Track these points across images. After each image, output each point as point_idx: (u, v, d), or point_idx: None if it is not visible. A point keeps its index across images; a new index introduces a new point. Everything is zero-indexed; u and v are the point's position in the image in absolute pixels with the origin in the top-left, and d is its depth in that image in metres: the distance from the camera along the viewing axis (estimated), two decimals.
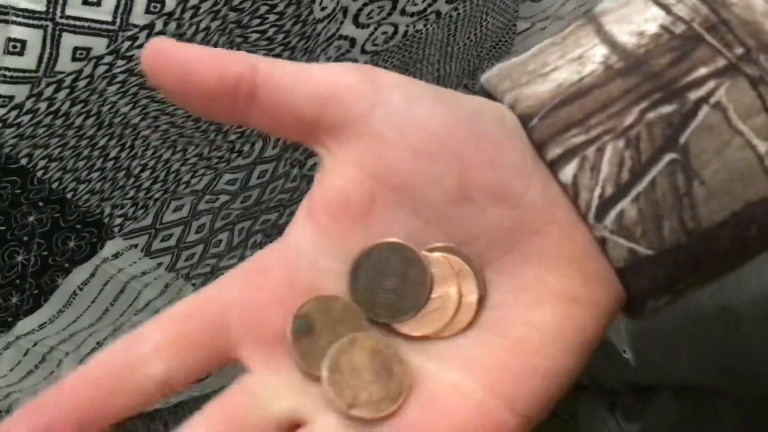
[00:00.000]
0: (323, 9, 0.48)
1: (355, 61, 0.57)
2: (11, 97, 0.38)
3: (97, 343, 0.60)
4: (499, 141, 0.22)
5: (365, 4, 0.51)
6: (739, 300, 0.51)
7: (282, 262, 0.23)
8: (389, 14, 0.53)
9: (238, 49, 0.47)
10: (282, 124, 0.23)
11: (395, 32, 0.56)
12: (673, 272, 0.23)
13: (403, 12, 0.54)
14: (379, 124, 0.22)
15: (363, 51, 0.56)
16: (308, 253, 0.23)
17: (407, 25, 0.56)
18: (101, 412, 0.21)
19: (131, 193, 0.51)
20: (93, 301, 0.55)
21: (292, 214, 0.64)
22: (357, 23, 0.52)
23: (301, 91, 0.22)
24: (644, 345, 0.62)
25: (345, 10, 0.50)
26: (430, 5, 0.55)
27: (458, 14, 0.59)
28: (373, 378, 0.22)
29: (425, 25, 0.57)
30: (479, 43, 0.65)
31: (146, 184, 0.51)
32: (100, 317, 0.57)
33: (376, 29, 0.54)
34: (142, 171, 0.50)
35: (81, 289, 0.53)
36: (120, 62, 0.40)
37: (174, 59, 0.22)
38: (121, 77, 0.41)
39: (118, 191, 0.50)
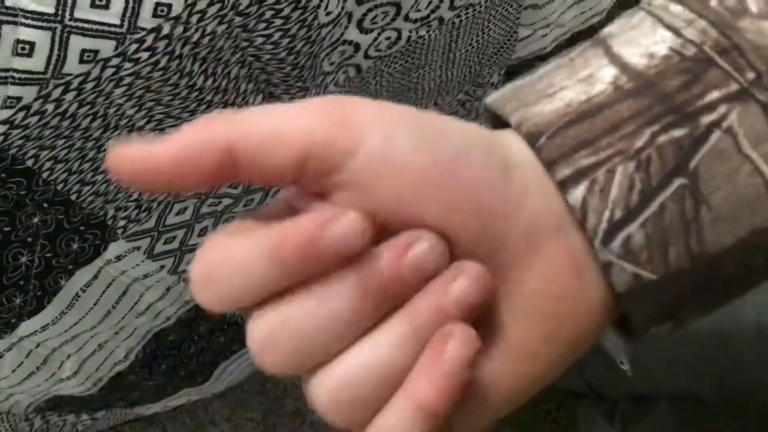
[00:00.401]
0: (328, 14, 0.48)
1: (358, 66, 0.57)
2: (19, 99, 0.38)
3: (99, 345, 0.60)
4: (483, 182, 0.22)
5: (370, 10, 0.51)
6: (734, 326, 0.51)
7: None
8: (393, 20, 0.54)
9: (243, 54, 0.48)
10: (270, 184, 0.23)
11: (399, 38, 0.56)
12: (676, 298, 0.22)
13: (406, 18, 0.54)
14: (357, 171, 0.22)
15: (366, 56, 0.56)
16: None
17: (410, 31, 0.56)
18: None
19: (135, 196, 0.51)
20: (95, 303, 0.55)
21: None
22: (361, 28, 0.53)
23: (278, 160, 0.22)
24: (641, 358, 0.63)
25: (350, 15, 0.51)
26: (433, 11, 0.56)
27: (461, 21, 0.59)
28: None
29: (428, 31, 0.58)
30: (481, 50, 0.65)
31: None
32: (102, 319, 0.57)
33: (379, 34, 0.55)
34: None
35: (84, 291, 0.53)
36: (127, 65, 0.40)
37: (153, 173, 0.21)
38: (127, 80, 0.41)
39: (122, 193, 0.50)
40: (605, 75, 0.23)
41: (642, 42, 0.23)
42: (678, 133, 0.22)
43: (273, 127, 0.22)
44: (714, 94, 0.22)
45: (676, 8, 0.24)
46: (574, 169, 0.22)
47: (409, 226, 0.22)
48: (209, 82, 0.46)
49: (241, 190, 0.58)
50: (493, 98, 0.25)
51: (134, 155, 0.21)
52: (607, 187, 0.22)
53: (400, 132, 0.22)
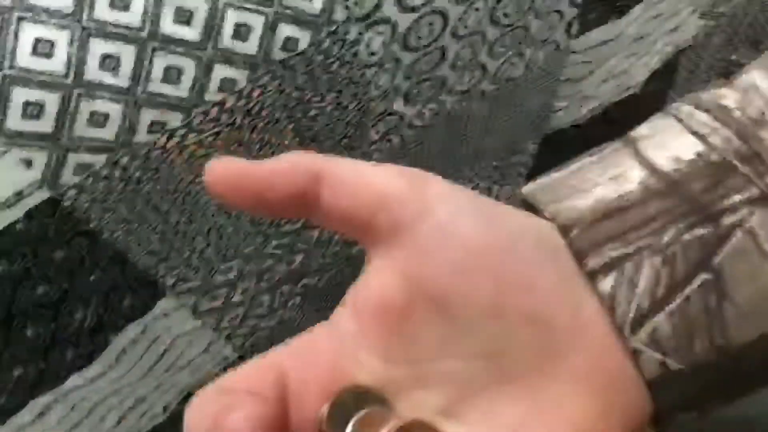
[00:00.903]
0: (378, 88, 0.51)
1: (401, 136, 0.59)
2: (90, 165, 0.40)
3: (139, 399, 0.62)
4: (535, 264, 0.23)
5: (417, 83, 0.53)
6: (759, 407, 0.51)
7: (330, 346, 0.24)
8: (438, 93, 0.56)
9: (297, 124, 0.50)
10: (338, 226, 0.25)
11: (441, 109, 0.58)
12: (702, 388, 0.24)
13: (450, 91, 0.56)
14: (422, 236, 0.23)
15: (410, 126, 0.58)
16: (351, 345, 0.24)
17: (453, 103, 0.58)
18: None
19: (185, 255, 0.53)
20: (140, 358, 0.56)
21: (330, 279, 0.64)
22: (407, 100, 0.55)
23: (357, 199, 0.24)
24: None
25: (397, 89, 0.53)
26: (475, 85, 0.58)
27: (500, 93, 0.62)
28: None
29: (469, 103, 0.60)
30: (518, 121, 0.67)
31: (199, 247, 0.53)
32: (145, 374, 0.58)
33: (424, 106, 0.57)
34: (197, 235, 0.52)
35: (131, 347, 0.54)
36: (191, 135, 0.42)
37: (246, 183, 0.23)
38: (190, 149, 0.43)
39: (174, 253, 0.52)
40: (635, 175, 0.25)
41: (671, 145, 0.25)
42: (701, 232, 0.23)
43: (358, 171, 0.24)
44: (736, 198, 0.24)
45: (702, 116, 0.25)
46: (604, 260, 0.24)
47: (460, 296, 0.23)
48: (264, 150, 0.48)
49: (284, 252, 0.59)
50: (529, 189, 0.26)
51: (230, 168, 0.24)
52: (634, 279, 0.23)
53: (465, 210, 0.24)
